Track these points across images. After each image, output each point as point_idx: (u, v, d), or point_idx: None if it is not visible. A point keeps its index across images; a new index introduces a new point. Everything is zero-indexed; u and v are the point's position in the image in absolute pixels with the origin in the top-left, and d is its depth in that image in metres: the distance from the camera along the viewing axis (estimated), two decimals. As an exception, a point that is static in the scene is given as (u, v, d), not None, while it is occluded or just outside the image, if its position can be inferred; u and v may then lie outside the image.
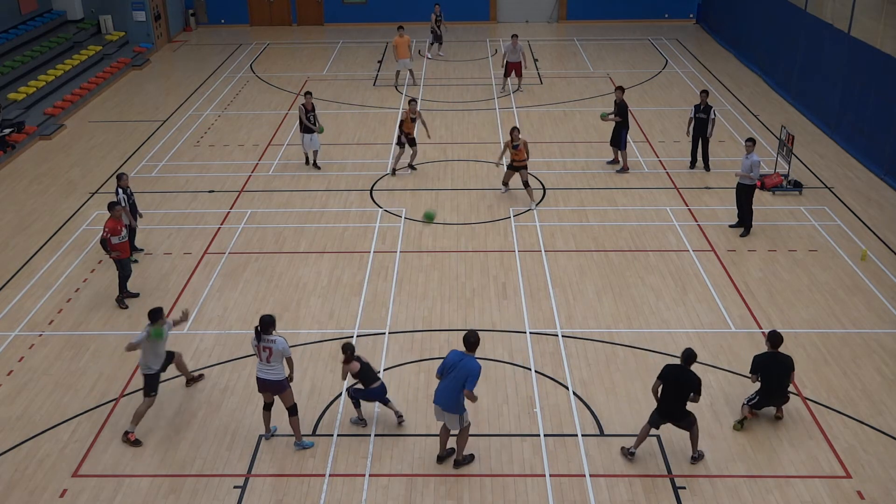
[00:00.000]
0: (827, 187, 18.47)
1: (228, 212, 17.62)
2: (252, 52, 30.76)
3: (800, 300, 14.11)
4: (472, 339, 9.99)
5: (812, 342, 12.98)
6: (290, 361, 10.54)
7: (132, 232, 15.41)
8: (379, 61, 29.28)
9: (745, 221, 16.25)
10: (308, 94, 19.47)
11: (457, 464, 10.50)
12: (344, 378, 10.99)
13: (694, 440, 10.49)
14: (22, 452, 10.92)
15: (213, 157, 20.68)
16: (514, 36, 24.88)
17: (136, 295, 14.39)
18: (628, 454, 10.58)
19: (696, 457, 10.53)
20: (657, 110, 23.59)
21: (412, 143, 19.38)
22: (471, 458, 10.59)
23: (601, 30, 33.49)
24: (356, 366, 10.70)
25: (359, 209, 17.64)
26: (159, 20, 31.82)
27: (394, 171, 19.42)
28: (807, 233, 16.42)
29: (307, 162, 19.96)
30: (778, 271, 14.99)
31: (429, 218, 14.39)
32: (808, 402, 11.63)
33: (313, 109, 19.16)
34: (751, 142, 15.94)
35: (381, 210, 17.54)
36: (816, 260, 15.39)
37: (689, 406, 10.47)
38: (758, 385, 11.09)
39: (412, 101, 19.35)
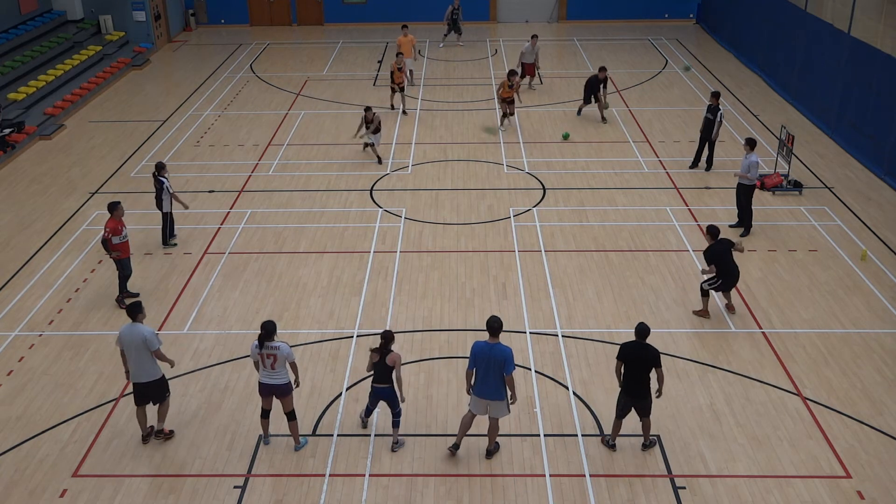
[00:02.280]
0: (827, 187, 18.47)
1: (228, 212, 17.62)
2: (252, 52, 30.77)
3: (800, 300, 14.11)
4: (494, 325, 10.02)
5: (812, 342, 12.98)
6: (294, 366, 10.50)
7: (171, 219, 16.09)
8: (379, 61, 29.28)
9: (744, 221, 16.26)
10: (368, 108, 19.71)
11: (489, 454, 10.60)
12: (368, 369, 10.55)
13: (646, 428, 10.64)
14: (22, 452, 10.91)
15: (213, 157, 20.68)
16: (535, 36, 24.78)
17: (136, 295, 14.39)
18: (609, 445, 10.74)
19: (648, 444, 10.72)
20: (657, 110, 23.59)
21: (402, 89, 23.24)
22: (498, 445, 10.71)
23: (601, 30, 33.49)
24: (375, 357, 10.37)
25: (359, 209, 17.64)
26: (159, 20, 31.82)
27: (403, 111, 23.48)
28: (807, 233, 16.42)
29: (379, 161, 19.99)
30: (778, 271, 14.99)
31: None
32: (808, 402, 11.63)
33: (374, 121, 19.57)
34: (749, 142, 15.96)
35: (381, 210, 17.54)
36: (816, 260, 15.39)
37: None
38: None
39: (399, 54, 23.52)
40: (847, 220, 16.90)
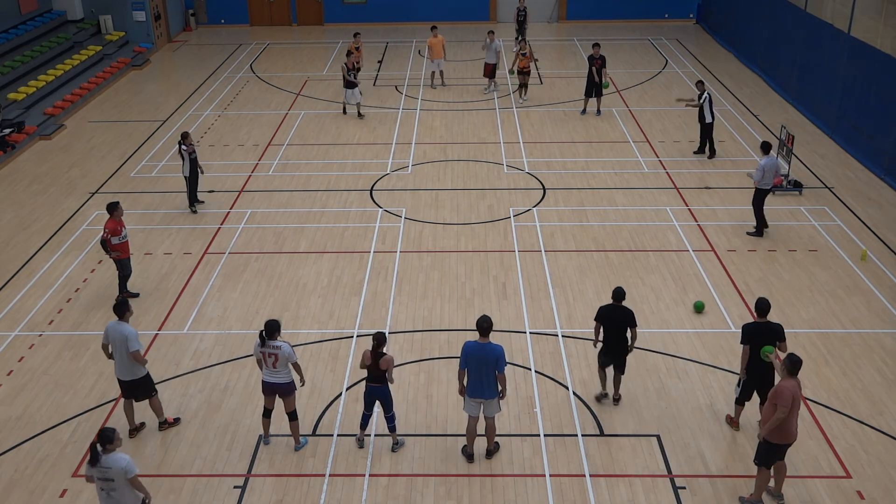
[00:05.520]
0: (827, 187, 18.47)
1: (228, 212, 17.62)
2: (252, 52, 30.77)
3: (800, 300, 14.11)
4: (484, 325, 10.03)
5: (812, 342, 12.98)
6: (297, 367, 10.49)
7: (195, 183, 17.41)
8: (379, 61, 29.29)
9: (757, 225, 16.18)
10: (349, 53, 22.97)
11: (489, 454, 10.60)
12: (361, 366, 10.48)
13: (617, 383, 11.49)
14: (22, 452, 10.92)
15: (213, 157, 20.68)
16: (491, 32, 25.03)
17: (136, 295, 14.39)
18: (602, 397, 11.57)
19: (617, 398, 11.55)
20: (657, 110, 23.59)
21: (357, 70, 23.13)
22: (498, 445, 10.73)
23: (601, 30, 33.48)
24: (368, 360, 10.30)
25: (359, 209, 17.64)
26: (159, 20, 31.83)
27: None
28: (807, 233, 16.42)
29: (344, 112, 23.36)
30: (778, 271, 15.00)
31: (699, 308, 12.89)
32: (808, 402, 11.63)
33: (354, 67, 22.44)
34: (764, 146, 15.96)
35: (381, 210, 17.55)
36: (816, 260, 15.39)
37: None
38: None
39: (357, 33, 25.12)
40: (847, 220, 16.90)
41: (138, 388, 10.86)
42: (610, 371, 11.56)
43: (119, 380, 10.87)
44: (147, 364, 10.96)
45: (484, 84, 25.88)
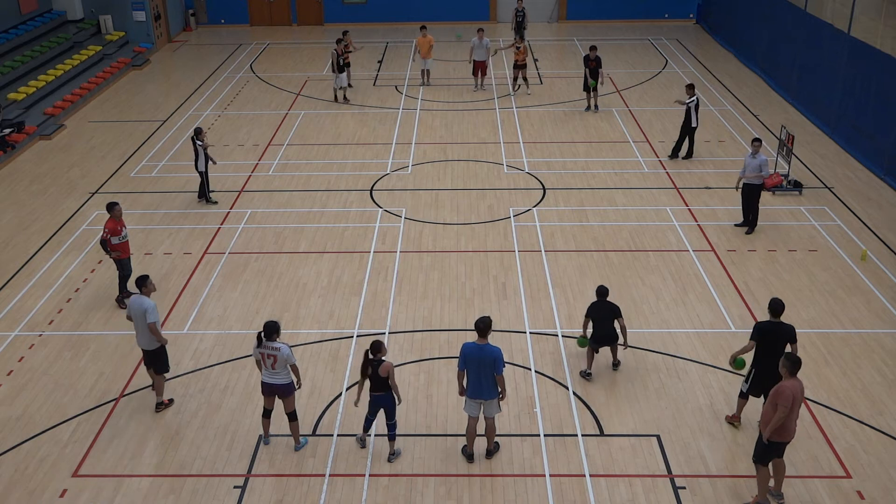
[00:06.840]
0: (827, 187, 18.47)
1: (228, 212, 17.62)
2: (252, 52, 30.77)
3: (800, 300, 14.10)
4: (481, 326, 10.05)
5: (812, 342, 12.97)
6: (294, 369, 10.49)
7: (206, 178, 17.78)
8: (379, 61, 29.29)
9: (751, 219, 16.24)
10: (339, 41, 24.40)
11: (489, 454, 10.60)
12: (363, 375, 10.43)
13: (615, 352, 12.27)
14: (22, 452, 10.92)
15: (213, 156, 20.63)
16: (480, 30, 25.19)
17: (136, 295, 14.38)
18: (586, 375, 12.06)
19: (616, 363, 12.31)
20: (657, 110, 23.59)
21: (347, 65, 24.77)
22: (498, 445, 10.74)
23: (601, 30, 33.49)
24: (368, 370, 10.28)
25: (359, 209, 17.64)
26: (159, 20, 31.82)
27: (349, 84, 25.49)
28: (807, 233, 16.42)
29: (335, 99, 24.59)
30: (778, 271, 14.99)
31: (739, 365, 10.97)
32: (808, 401, 11.63)
33: (344, 53, 24.11)
34: (757, 142, 16.02)
35: (381, 210, 17.55)
36: (816, 260, 15.39)
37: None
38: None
39: (346, 31, 26.02)
40: (847, 220, 16.90)
41: (154, 359, 11.37)
42: (606, 351, 12.43)
43: (142, 349, 11.42)
44: (165, 343, 11.42)
45: (472, 83, 26.08)
